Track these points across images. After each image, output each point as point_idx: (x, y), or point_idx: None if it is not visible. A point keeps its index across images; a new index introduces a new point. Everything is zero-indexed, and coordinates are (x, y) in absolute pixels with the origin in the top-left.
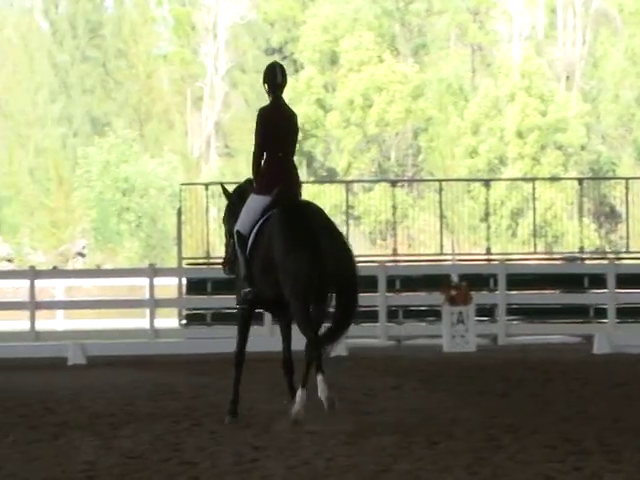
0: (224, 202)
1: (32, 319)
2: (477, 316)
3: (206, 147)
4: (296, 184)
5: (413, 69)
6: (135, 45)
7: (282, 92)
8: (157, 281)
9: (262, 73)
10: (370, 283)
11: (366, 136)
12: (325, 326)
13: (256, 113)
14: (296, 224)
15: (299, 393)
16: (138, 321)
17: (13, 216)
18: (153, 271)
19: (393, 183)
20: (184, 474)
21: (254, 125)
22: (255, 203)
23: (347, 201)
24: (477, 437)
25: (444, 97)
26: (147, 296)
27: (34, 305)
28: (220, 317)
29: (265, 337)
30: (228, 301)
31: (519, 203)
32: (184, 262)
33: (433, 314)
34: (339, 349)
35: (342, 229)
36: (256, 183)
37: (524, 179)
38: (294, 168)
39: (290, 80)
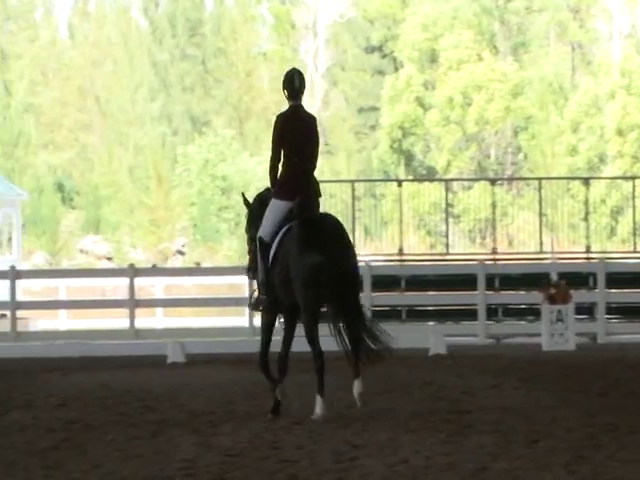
0: (323, 200)
1: (132, 317)
2: (576, 314)
3: None
4: (314, 192)
5: (512, 67)
6: (235, 43)
7: (301, 98)
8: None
9: (282, 79)
10: (469, 281)
11: (465, 134)
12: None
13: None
14: (312, 237)
15: (318, 398)
16: (237, 319)
17: (113, 214)
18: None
19: (492, 181)
20: (282, 472)
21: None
22: (276, 208)
23: (446, 199)
24: (576, 436)
25: (544, 95)
26: (245, 294)
27: (134, 303)
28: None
29: None
30: None
31: (619, 201)
32: None
33: (532, 313)
34: (438, 347)
35: (441, 227)
36: (273, 188)
37: (624, 178)
38: (311, 173)
39: (390, 78)
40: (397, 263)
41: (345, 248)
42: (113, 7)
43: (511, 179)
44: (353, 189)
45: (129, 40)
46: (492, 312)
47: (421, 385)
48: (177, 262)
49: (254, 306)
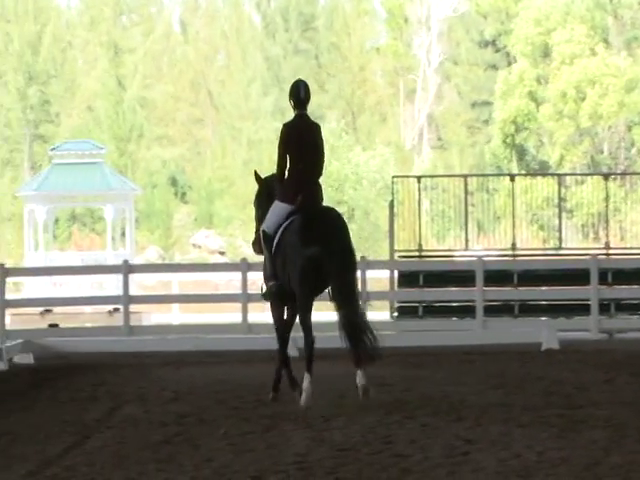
0: (436, 195)
1: (244, 311)
2: None
3: (418, 139)
4: (316, 192)
5: (626, 62)
6: (347, 38)
7: (306, 107)
8: (369, 274)
9: (289, 90)
10: (582, 276)
11: (579, 129)
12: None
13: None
14: (312, 229)
15: (305, 381)
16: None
17: (226, 209)
18: (365, 264)
19: (606, 176)
20: (395, 467)
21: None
22: (279, 209)
23: (559, 194)
24: None
25: None
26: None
27: (247, 297)
28: (432, 310)
29: (476, 331)
30: (440, 294)
31: None
32: (396, 255)
33: None
34: (551, 342)
35: (554, 222)
36: (279, 191)
37: None
38: (315, 177)
39: (502, 73)
40: (510, 258)
41: (343, 241)
42: (226, 2)
43: (624, 174)
44: (466, 184)
45: (242, 35)
46: (605, 307)
47: (533, 380)
48: None
49: (266, 296)
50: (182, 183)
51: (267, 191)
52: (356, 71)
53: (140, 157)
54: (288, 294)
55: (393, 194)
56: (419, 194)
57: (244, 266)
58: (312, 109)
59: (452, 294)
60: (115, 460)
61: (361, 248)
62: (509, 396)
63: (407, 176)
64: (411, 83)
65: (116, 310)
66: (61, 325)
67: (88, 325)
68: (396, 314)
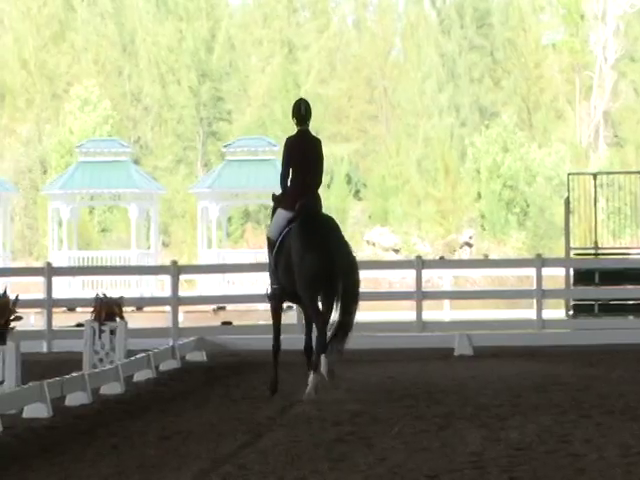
0: (612, 192)
1: (419, 309)
2: None
3: (594, 136)
4: (314, 199)
5: None
6: (523, 34)
7: (307, 123)
8: (544, 271)
9: (292, 108)
10: None
11: None
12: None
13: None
14: (311, 231)
15: (311, 377)
16: (525, 312)
17: (400, 206)
18: (540, 261)
19: None
20: (570, 466)
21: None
22: (281, 216)
23: None
24: None
25: None
26: (534, 287)
27: (421, 295)
28: (608, 308)
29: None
30: (616, 292)
31: None
32: (572, 252)
33: None
34: None
35: None
36: (282, 200)
37: None
38: (314, 188)
39: None
40: None
41: (343, 246)
42: None
43: None
44: None
45: (416, 31)
46: None
47: None
48: (465, 254)
49: (270, 296)
50: (356, 180)
51: (276, 204)
52: (532, 68)
53: None
54: (290, 296)
55: (569, 191)
56: (595, 191)
57: (418, 263)
58: (486, 105)
59: (628, 292)
60: (288, 459)
61: (536, 245)
62: None
63: (583, 173)
64: (587, 80)
65: (290, 307)
66: (235, 323)
67: (262, 323)
68: (571, 312)
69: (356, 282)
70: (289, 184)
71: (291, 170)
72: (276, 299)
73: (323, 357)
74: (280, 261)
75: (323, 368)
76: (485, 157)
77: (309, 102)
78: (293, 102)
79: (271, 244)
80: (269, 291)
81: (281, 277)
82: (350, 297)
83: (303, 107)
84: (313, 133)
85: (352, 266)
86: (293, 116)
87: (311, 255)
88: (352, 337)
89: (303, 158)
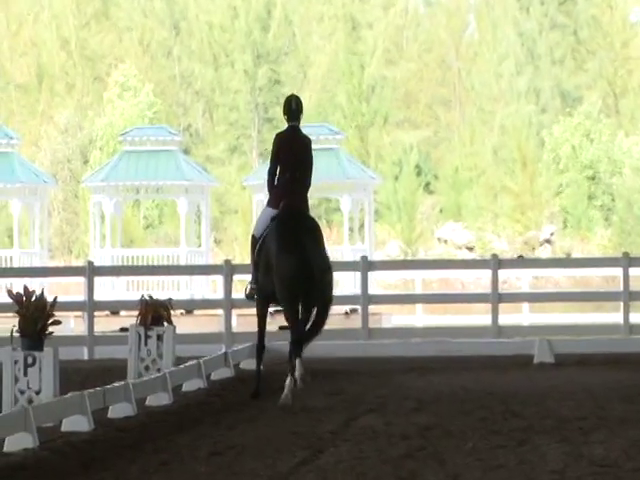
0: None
1: (495, 313)
2: None
3: None
4: (299, 200)
5: None
6: (609, 11)
7: (298, 119)
8: (632, 271)
9: (283, 103)
10: None
11: None
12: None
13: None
14: (287, 232)
15: (287, 381)
16: (611, 316)
17: (475, 200)
18: (627, 260)
19: None
20: None
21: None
22: (265, 214)
23: None
24: None
25: None
26: (621, 288)
27: (497, 297)
28: None
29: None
30: None
31: None
32: None
33: None
34: None
35: None
36: (269, 198)
37: None
38: (300, 187)
39: None
40: None
41: (318, 247)
42: None
43: None
44: None
45: (493, 8)
46: None
47: None
48: (545, 252)
49: (248, 296)
50: (427, 171)
51: None
52: (618, 48)
53: (381, 143)
54: (268, 296)
55: None
56: None
57: (494, 263)
58: (568, 90)
59: None
60: (352, 476)
61: (622, 243)
62: None
63: None
64: None
65: (353, 311)
66: None
67: (324, 328)
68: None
69: (329, 283)
70: (276, 182)
71: (279, 168)
72: (259, 300)
73: (298, 361)
74: (260, 260)
75: (297, 372)
76: (564, 146)
77: (300, 98)
78: (285, 99)
79: (254, 242)
80: (247, 290)
81: (260, 277)
82: (322, 299)
83: (294, 103)
84: (304, 132)
85: (325, 268)
86: (284, 112)
87: (286, 256)
88: (415, 343)
89: (291, 156)
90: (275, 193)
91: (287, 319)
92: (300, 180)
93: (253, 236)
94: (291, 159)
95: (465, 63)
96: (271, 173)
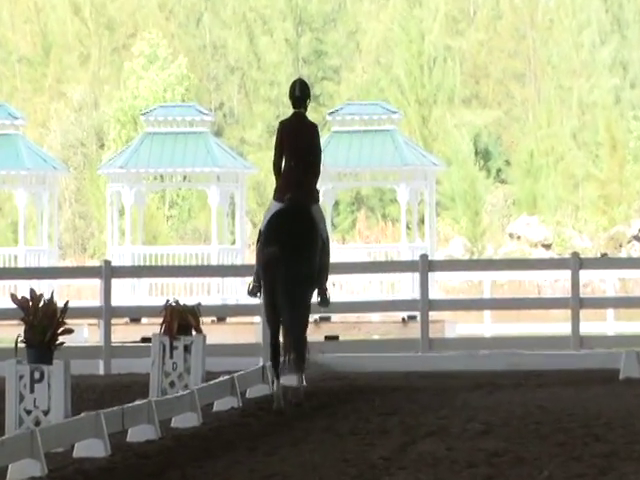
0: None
1: (575, 321)
2: None
3: None
4: (304, 194)
5: None
6: None
7: (303, 105)
8: None
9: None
10: None
11: None
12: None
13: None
14: (277, 226)
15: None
16: None
17: (553, 190)
18: None
19: None
20: None
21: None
22: (272, 208)
23: None
24: None
25: None
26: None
27: (578, 303)
28: None
29: None
30: None
31: None
32: None
33: None
34: None
35: None
36: (274, 189)
37: None
38: (306, 177)
39: None
40: None
41: (299, 242)
42: None
43: None
44: None
45: None
46: None
47: None
48: (634, 250)
49: (249, 292)
50: (497, 156)
51: None
52: None
53: (444, 123)
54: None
55: None
56: None
57: (575, 262)
58: None
59: None
60: None
61: None
62: None
63: None
64: None
65: (412, 318)
66: (341, 337)
67: (375, 337)
68: None
69: (301, 297)
70: (282, 172)
71: (284, 157)
72: (265, 301)
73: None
74: (259, 255)
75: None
76: None
77: (306, 83)
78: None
79: (259, 237)
80: (250, 287)
81: (260, 273)
82: (291, 310)
83: (298, 89)
84: (310, 118)
85: (300, 281)
86: (289, 97)
87: (268, 250)
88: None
89: (295, 145)
90: (280, 185)
91: (265, 317)
92: (306, 169)
93: (260, 230)
94: (296, 148)
95: (541, 32)
96: (275, 163)
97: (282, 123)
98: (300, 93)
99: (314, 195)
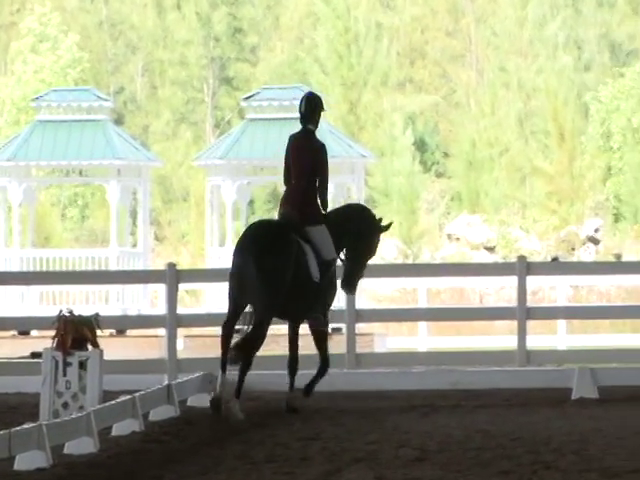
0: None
1: (521, 333)
2: None
3: None
4: (298, 210)
5: None
6: None
7: (310, 122)
8: None
9: None
10: None
11: None
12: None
13: None
14: (242, 239)
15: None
16: None
17: (497, 186)
18: None
19: None
20: None
21: None
22: None
23: None
24: None
25: None
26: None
27: (524, 313)
28: None
29: None
30: None
31: None
32: None
33: None
34: None
35: None
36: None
37: None
38: (304, 196)
39: None
40: None
41: (260, 255)
42: None
43: None
44: None
45: None
46: None
47: None
48: (587, 254)
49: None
50: (433, 147)
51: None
52: None
53: (373, 112)
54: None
55: None
56: None
57: (522, 267)
58: (619, 40)
59: None
60: None
61: None
62: None
63: None
64: None
65: (336, 331)
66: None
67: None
68: None
69: (266, 307)
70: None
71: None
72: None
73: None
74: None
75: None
76: (615, 115)
77: (318, 97)
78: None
79: None
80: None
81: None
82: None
83: (304, 104)
84: (318, 137)
85: (264, 283)
86: (298, 111)
87: (233, 259)
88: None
89: (297, 163)
90: (281, 200)
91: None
92: (307, 189)
93: None
94: (298, 166)
95: (481, 8)
96: (284, 177)
97: (290, 140)
98: (305, 110)
99: (314, 216)
